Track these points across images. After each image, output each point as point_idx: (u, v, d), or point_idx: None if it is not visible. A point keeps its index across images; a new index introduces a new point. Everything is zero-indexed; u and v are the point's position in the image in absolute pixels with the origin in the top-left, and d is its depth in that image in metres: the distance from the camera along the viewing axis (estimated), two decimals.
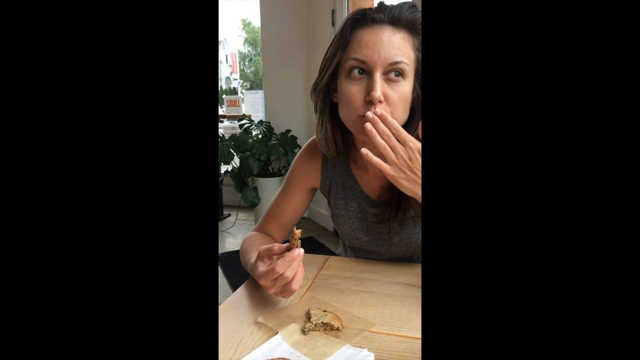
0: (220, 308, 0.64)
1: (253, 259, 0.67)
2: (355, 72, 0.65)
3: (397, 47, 0.63)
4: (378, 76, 0.63)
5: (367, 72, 0.64)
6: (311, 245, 2.60)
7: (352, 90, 0.65)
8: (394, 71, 0.63)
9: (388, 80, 0.64)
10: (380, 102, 0.63)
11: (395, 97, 0.64)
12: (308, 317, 0.59)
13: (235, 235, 2.87)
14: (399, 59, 0.63)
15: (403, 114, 0.66)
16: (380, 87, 0.63)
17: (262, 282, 0.60)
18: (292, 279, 0.58)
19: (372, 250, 0.84)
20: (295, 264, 0.58)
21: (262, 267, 0.61)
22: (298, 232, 0.58)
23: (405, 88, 0.64)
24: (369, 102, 0.63)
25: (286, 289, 0.59)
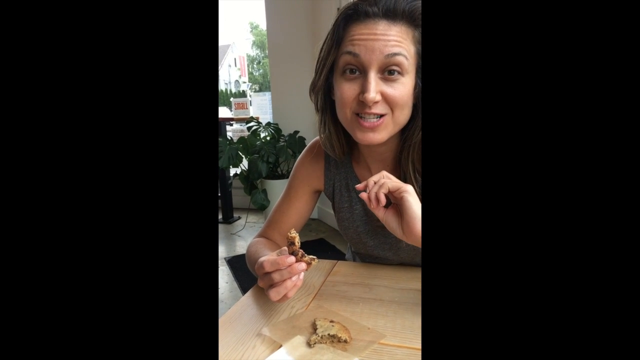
0: (221, 320, 0.60)
1: (261, 255, 0.64)
2: (349, 71, 0.61)
3: (394, 40, 0.58)
4: (372, 75, 0.59)
5: (361, 70, 0.60)
6: (322, 247, 2.56)
7: (345, 88, 0.62)
8: (391, 68, 0.59)
9: (385, 80, 0.60)
10: (376, 102, 0.60)
11: (395, 95, 0.60)
12: (314, 328, 0.55)
13: (245, 238, 2.86)
14: (396, 50, 0.58)
15: (405, 112, 0.62)
16: (374, 87, 0.59)
17: (256, 269, 0.59)
18: (274, 285, 0.55)
19: (379, 256, 0.80)
20: (285, 272, 0.54)
21: (264, 257, 0.57)
22: (294, 235, 0.54)
23: (405, 85, 0.60)
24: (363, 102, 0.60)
25: (268, 292, 0.56)
